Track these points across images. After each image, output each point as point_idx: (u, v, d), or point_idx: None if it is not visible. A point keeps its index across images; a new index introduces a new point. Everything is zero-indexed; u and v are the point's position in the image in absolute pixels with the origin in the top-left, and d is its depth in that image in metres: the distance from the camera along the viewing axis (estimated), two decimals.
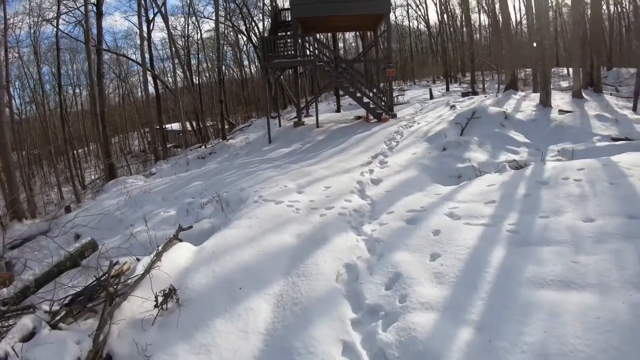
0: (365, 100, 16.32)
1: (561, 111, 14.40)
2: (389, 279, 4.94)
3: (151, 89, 32.56)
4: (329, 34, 26.12)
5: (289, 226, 6.65)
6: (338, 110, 22.45)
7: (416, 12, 42.72)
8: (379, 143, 12.54)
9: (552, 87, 26.00)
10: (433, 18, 78.87)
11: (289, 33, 17.06)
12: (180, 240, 6.48)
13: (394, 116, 16.59)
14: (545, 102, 14.99)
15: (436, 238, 5.57)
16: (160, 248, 5.85)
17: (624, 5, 35.86)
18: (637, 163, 6.58)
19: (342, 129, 15.64)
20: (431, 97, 24.40)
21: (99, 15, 22.30)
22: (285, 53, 16.71)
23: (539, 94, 19.25)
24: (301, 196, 8.20)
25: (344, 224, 6.70)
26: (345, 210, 7.21)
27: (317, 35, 17.92)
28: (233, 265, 5.50)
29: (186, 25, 49.15)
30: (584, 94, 17.54)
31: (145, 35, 30.44)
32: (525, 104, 15.58)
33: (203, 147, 21.97)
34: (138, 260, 5.82)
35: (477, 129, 12.42)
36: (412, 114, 17.49)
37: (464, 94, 22.38)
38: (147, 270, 4.97)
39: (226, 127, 37.55)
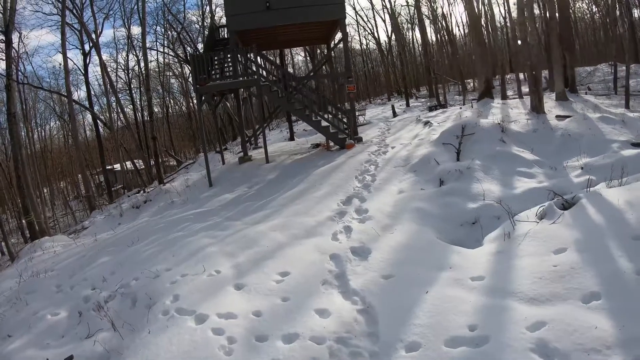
0: (324, 124, 12.98)
1: (559, 117, 11.63)
2: None
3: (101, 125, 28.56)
4: (277, 53, 22.82)
5: None
6: (292, 139, 19.03)
7: (364, 28, 40.12)
8: (349, 179, 9.12)
9: (513, 93, 23.77)
10: (382, 35, 77.51)
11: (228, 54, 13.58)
12: None
13: (360, 140, 13.31)
14: (538, 109, 12.16)
15: None
16: None
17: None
18: None
19: (299, 162, 12.20)
20: (394, 114, 21.39)
21: (8, 44, 18.15)
22: (224, 74, 13.23)
23: (521, 100, 16.80)
24: (240, 299, 4.68)
25: None
26: (320, 340, 3.66)
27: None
28: None
29: (126, 58, 44.73)
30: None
31: (82, 69, 26.61)
32: (513, 112, 12.64)
33: (141, 192, 17.88)
34: None
35: (474, 149, 9.24)
36: (380, 136, 14.26)
37: (432, 108, 19.48)
38: None
39: (173, 163, 33.63)
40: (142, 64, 34.30)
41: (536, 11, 26.32)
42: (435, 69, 28.38)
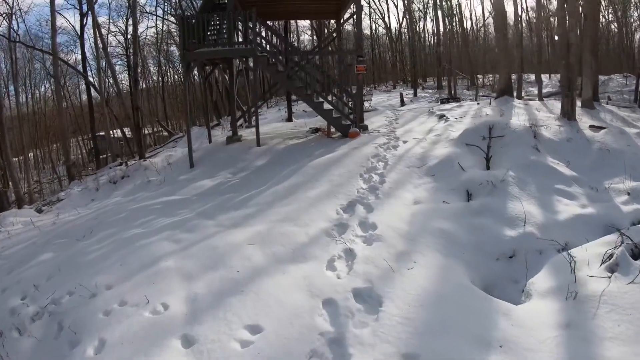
0: (327, 107, 11.16)
1: (592, 127, 9.93)
2: None
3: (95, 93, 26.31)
4: (281, 26, 20.73)
5: None
6: (289, 119, 17.15)
7: (375, 12, 37.88)
8: (352, 177, 7.36)
9: (524, 94, 21.97)
10: (392, 22, 74.82)
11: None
12: None
13: (365, 129, 11.51)
14: (569, 115, 10.44)
15: None
16: None
17: None
18: None
19: (293, 148, 10.40)
20: (402, 103, 19.54)
21: None
22: (219, 41, 11.30)
23: (541, 102, 15.03)
24: None
25: None
26: None
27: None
28: None
29: (126, 22, 41.96)
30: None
31: (79, 31, 24.14)
32: (541, 115, 10.89)
33: (123, 165, 15.84)
34: None
35: (505, 156, 7.52)
36: (388, 126, 12.46)
37: (444, 100, 17.64)
38: None
39: (166, 134, 31.53)
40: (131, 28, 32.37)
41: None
42: (447, 61, 26.43)
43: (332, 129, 11.27)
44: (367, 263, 4.40)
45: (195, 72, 19.33)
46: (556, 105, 13.73)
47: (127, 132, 27.47)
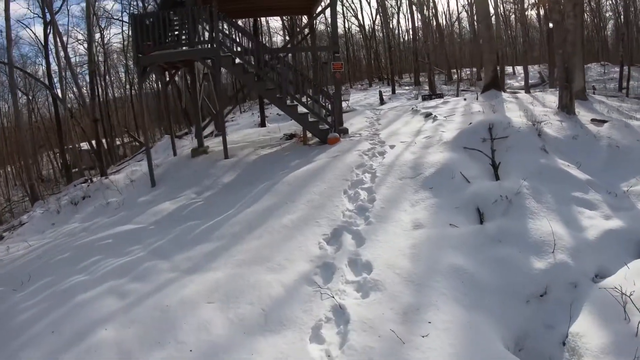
0: (302, 110, 9.87)
1: (594, 121, 8.94)
2: None
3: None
4: (251, 24, 19.28)
5: None
6: (263, 125, 15.78)
7: (349, 10, 36.70)
8: (334, 195, 6.12)
9: (507, 88, 21.10)
10: (366, 19, 73.88)
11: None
12: None
13: (345, 132, 10.27)
14: (568, 108, 9.40)
15: None
16: None
17: None
18: None
19: (266, 159, 9.06)
20: (382, 101, 18.37)
21: None
22: (180, 42, 9.90)
23: (529, 94, 14.02)
24: None
25: None
26: None
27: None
28: None
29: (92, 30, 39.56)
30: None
31: (42, 40, 22.22)
32: (537, 110, 9.81)
33: (89, 182, 14.17)
34: None
35: (512, 161, 6.37)
36: (369, 127, 11.22)
37: (426, 97, 16.51)
38: None
39: (136, 144, 29.74)
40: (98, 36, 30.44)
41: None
42: (425, 56, 25.46)
43: (309, 135, 10.00)
44: (366, 330, 3.17)
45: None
46: (546, 97, 12.77)
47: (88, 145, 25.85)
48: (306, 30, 14.85)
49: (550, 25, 11.94)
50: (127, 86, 35.82)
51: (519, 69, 31.83)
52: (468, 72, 31.01)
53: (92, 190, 10.82)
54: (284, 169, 7.79)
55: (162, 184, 9.40)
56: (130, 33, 28.50)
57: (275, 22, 38.49)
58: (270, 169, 8.19)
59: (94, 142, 24.26)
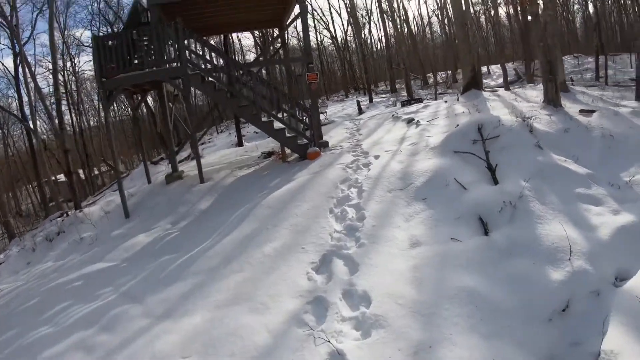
0: (278, 125, 9.33)
1: (583, 111, 8.65)
2: None
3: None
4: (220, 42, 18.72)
5: None
6: (240, 144, 15.17)
7: (320, 22, 36.49)
8: (319, 215, 5.56)
9: (485, 87, 20.87)
10: (337, 31, 74.09)
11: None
12: None
13: (325, 145, 9.73)
14: (555, 101, 9.08)
15: None
16: None
17: None
18: None
19: (244, 181, 8.45)
20: (360, 111, 17.94)
21: None
22: (147, 63, 9.27)
23: (508, 91, 13.70)
24: None
25: None
26: None
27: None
28: None
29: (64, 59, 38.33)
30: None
31: (12, 73, 21.34)
32: (522, 106, 9.45)
33: (63, 217, 13.25)
34: None
35: (508, 161, 5.89)
36: (350, 139, 10.72)
37: (405, 102, 16.12)
38: None
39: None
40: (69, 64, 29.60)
41: None
42: (399, 63, 25.27)
43: (287, 151, 9.45)
44: None
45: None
46: (528, 93, 12.46)
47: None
48: (279, 44, 14.36)
49: (529, 17, 11.63)
50: (99, 114, 34.96)
51: (494, 68, 31.94)
52: (443, 76, 30.96)
53: (67, 225, 10.06)
54: (263, 190, 7.20)
55: (136, 215, 8.72)
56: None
57: (247, 40, 38.14)
58: (249, 191, 7.60)
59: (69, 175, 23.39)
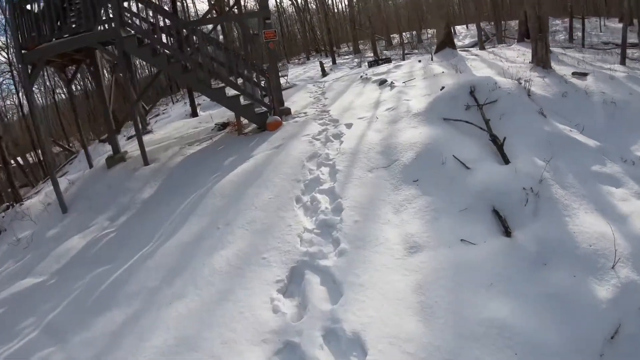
0: (232, 92, 7.92)
1: (575, 74, 7.75)
2: None
3: None
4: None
5: None
6: (194, 114, 13.56)
7: None
8: (284, 207, 4.38)
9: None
10: None
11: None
12: None
13: (287, 113, 8.42)
14: (545, 62, 8.13)
15: None
16: None
17: None
18: None
19: (194, 159, 7.07)
20: (324, 73, 16.51)
21: None
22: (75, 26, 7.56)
23: (484, 51, 12.59)
24: None
25: None
26: None
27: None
28: None
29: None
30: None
31: None
32: (507, 66, 8.40)
33: (11, 206, 11.31)
34: None
35: (513, 132, 4.82)
36: (315, 104, 9.41)
37: (372, 63, 14.79)
38: None
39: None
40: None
41: None
42: (365, 22, 23.83)
43: (244, 121, 8.10)
44: None
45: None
46: (507, 53, 11.41)
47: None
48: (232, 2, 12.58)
49: None
50: (45, 92, 31.71)
51: (459, 28, 31.01)
52: (408, 36, 29.72)
53: (8, 222, 8.43)
54: (215, 172, 5.91)
55: (74, 209, 7.23)
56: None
57: (202, 4, 35.53)
58: (199, 171, 6.28)
59: (19, 158, 21.12)
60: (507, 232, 3.27)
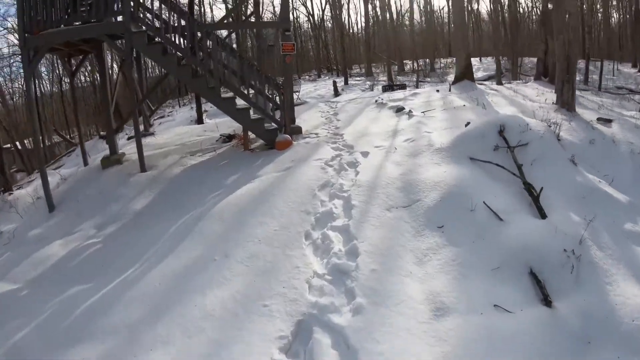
0: (242, 104, 7.51)
1: (600, 120, 7.33)
2: None
3: None
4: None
5: None
6: (200, 121, 13.15)
7: None
8: (291, 243, 3.91)
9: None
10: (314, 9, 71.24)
11: None
12: None
13: (298, 132, 8.01)
14: (570, 105, 7.74)
15: None
16: None
17: None
18: None
19: (194, 172, 6.62)
20: (336, 93, 16.16)
21: None
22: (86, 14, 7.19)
23: (502, 86, 12.24)
24: None
25: None
26: None
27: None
28: None
29: None
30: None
31: None
32: (531, 105, 8.04)
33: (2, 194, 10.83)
34: None
35: (546, 182, 4.36)
36: (327, 124, 9.02)
37: (387, 88, 14.47)
38: None
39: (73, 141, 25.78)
40: None
41: None
42: (380, 46, 23.67)
43: (252, 136, 7.68)
44: None
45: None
46: (526, 91, 11.06)
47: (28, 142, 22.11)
48: (250, 9, 12.26)
49: (550, 6, 10.17)
50: (52, 79, 31.30)
51: (473, 61, 30.80)
52: (421, 64, 29.60)
53: None
54: (216, 190, 5.46)
55: (61, 209, 6.74)
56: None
57: (219, 11, 35.36)
58: (199, 187, 5.82)
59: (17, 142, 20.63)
60: (547, 301, 2.81)
